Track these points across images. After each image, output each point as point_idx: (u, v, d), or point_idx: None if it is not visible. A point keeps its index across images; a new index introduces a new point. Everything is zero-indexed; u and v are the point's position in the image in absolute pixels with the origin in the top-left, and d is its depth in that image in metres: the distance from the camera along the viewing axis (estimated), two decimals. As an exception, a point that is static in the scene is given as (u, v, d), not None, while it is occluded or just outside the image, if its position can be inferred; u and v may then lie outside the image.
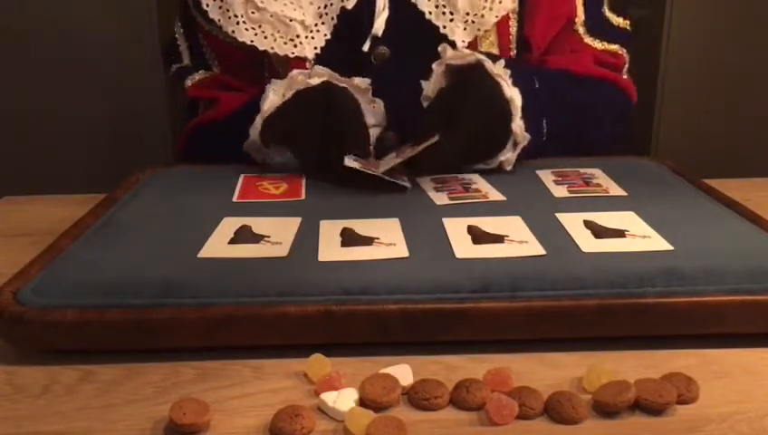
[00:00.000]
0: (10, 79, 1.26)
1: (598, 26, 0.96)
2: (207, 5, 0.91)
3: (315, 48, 0.90)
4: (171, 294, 0.55)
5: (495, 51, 0.92)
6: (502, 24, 0.91)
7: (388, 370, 0.51)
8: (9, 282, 0.57)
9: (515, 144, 0.83)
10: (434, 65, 0.84)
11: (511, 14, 0.92)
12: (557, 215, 0.68)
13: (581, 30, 0.96)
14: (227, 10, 0.91)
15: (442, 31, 0.89)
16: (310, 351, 0.52)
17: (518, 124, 0.82)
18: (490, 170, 0.83)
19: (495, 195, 0.75)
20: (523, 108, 0.82)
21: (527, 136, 0.82)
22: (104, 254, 0.62)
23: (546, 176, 0.81)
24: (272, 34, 0.90)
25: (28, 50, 1.24)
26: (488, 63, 0.82)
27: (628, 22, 0.98)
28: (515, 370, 0.51)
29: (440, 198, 0.75)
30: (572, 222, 0.66)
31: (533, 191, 0.77)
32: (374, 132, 0.84)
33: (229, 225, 0.67)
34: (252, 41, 0.90)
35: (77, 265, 0.60)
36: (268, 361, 0.54)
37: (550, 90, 0.89)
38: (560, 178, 0.80)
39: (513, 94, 0.82)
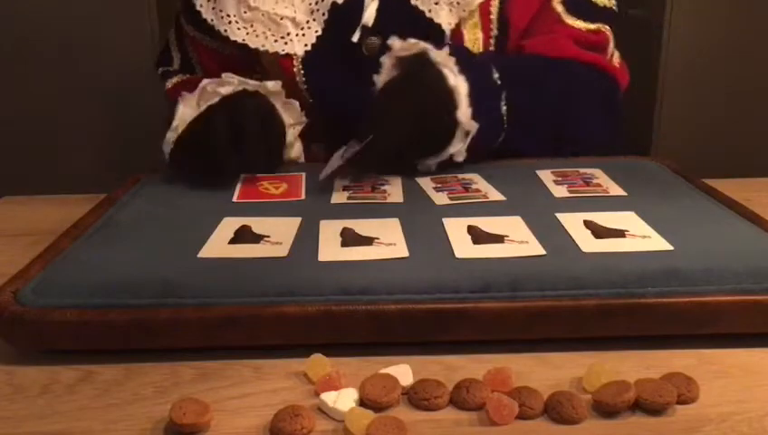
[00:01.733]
0: (10, 79, 1.26)
1: (578, 5, 0.94)
2: (201, 6, 0.92)
3: (306, 45, 0.91)
4: (171, 294, 0.55)
5: (479, 32, 0.92)
6: (484, 5, 0.91)
7: (389, 370, 0.51)
8: (9, 282, 0.57)
9: (466, 134, 0.81)
10: (382, 58, 0.84)
11: None
12: (557, 215, 0.68)
13: (560, 8, 0.93)
14: (220, 10, 0.92)
15: (428, 15, 0.89)
16: (310, 351, 0.52)
17: (464, 113, 0.80)
18: (488, 169, 0.82)
19: (495, 195, 0.75)
20: (476, 96, 0.80)
21: (474, 124, 0.80)
22: (104, 254, 0.62)
23: (546, 176, 0.81)
24: (263, 33, 0.91)
25: (28, 50, 1.24)
26: (432, 52, 0.81)
27: (614, 1, 0.96)
28: (515, 370, 0.51)
29: (440, 198, 0.74)
30: (572, 222, 0.66)
31: (533, 191, 0.77)
32: (296, 130, 0.87)
33: (229, 225, 0.67)
34: (243, 39, 0.91)
35: (77, 265, 0.60)
36: (268, 361, 0.54)
37: (513, 78, 0.86)
38: (560, 178, 0.80)
39: (458, 82, 0.80)
